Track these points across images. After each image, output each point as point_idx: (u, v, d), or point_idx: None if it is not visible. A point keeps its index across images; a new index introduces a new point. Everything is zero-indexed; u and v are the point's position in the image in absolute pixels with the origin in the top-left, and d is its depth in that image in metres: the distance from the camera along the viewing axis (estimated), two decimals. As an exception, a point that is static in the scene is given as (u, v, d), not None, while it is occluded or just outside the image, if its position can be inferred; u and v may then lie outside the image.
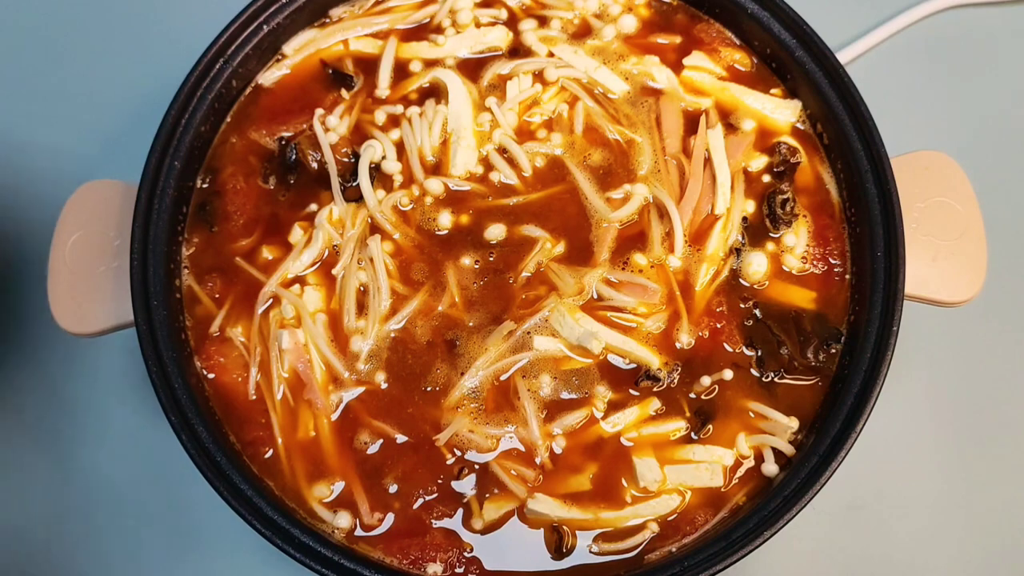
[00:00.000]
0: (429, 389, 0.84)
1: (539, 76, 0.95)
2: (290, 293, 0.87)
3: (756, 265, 0.87)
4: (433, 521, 0.80)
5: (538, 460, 0.81)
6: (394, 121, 0.94)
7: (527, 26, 0.98)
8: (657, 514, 0.80)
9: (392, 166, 0.91)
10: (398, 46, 0.97)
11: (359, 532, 0.80)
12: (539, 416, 0.82)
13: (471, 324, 0.85)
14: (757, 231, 0.89)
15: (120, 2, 1.22)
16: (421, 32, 0.99)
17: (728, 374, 0.83)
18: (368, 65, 0.97)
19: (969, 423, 1.01)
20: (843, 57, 1.12)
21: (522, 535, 0.80)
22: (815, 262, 0.88)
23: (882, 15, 1.18)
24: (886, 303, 0.81)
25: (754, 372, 0.84)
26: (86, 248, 0.88)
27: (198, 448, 0.79)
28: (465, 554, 0.79)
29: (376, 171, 0.91)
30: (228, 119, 0.95)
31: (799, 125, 0.94)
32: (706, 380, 0.83)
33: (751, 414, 0.83)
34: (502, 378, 0.84)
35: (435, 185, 0.90)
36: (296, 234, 0.89)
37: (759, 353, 0.84)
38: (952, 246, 0.86)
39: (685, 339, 0.85)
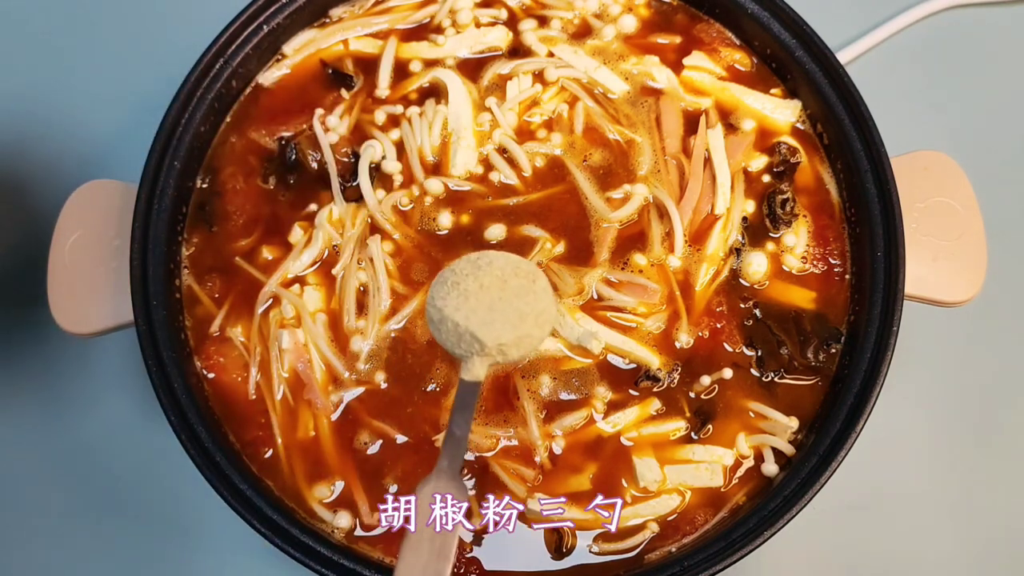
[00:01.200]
0: (429, 389, 0.84)
1: (539, 76, 0.95)
2: (290, 293, 0.87)
3: (756, 265, 0.87)
4: (433, 521, 0.80)
5: (537, 460, 0.81)
6: (394, 121, 0.94)
7: (527, 26, 0.98)
8: (657, 514, 0.80)
9: (392, 166, 0.91)
10: (398, 46, 0.97)
11: (359, 532, 0.80)
12: (538, 416, 0.82)
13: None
14: (757, 231, 0.89)
15: (120, 2, 1.22)
16: (421, 32, 0.99)
17: (728, 373, 0.83)
18: (368, 65, 0.97)
19: (969, 423, 1.01)
20: (843, 57, 1.12)
21: (522, 535, 0.80)
22: (815, 262, 0.88)
23: (882, 15, 1.18)
24: (886, 303, 0.81)
25: (754, 372, 0.84)
26: (86, 248, 0.88)
27: (198, 448, 0.79)
28: (465, 554, 0.79)
29: (376, 171, 0.91)
30: (228, 119, 0.95)
31: (799, 125, 0.94)
32: (706, 380, 0.83)
33: (751, 414, 0.83)
34: (502, 378, 0.84)
35: (435, 185, 0.90)
36: (296, 234, 0.89)
37: (759, 353, 0.84)
38: (952, 246, 0.86)
39: (685, 339, 0.85)
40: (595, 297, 0.86)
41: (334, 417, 0.84)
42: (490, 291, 0.71)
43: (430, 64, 0.97)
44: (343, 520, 0.80)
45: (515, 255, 0.76)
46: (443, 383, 0.84)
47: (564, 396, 0.83)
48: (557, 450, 0.82)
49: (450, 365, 0.84)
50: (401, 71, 0.97)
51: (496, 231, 0.88)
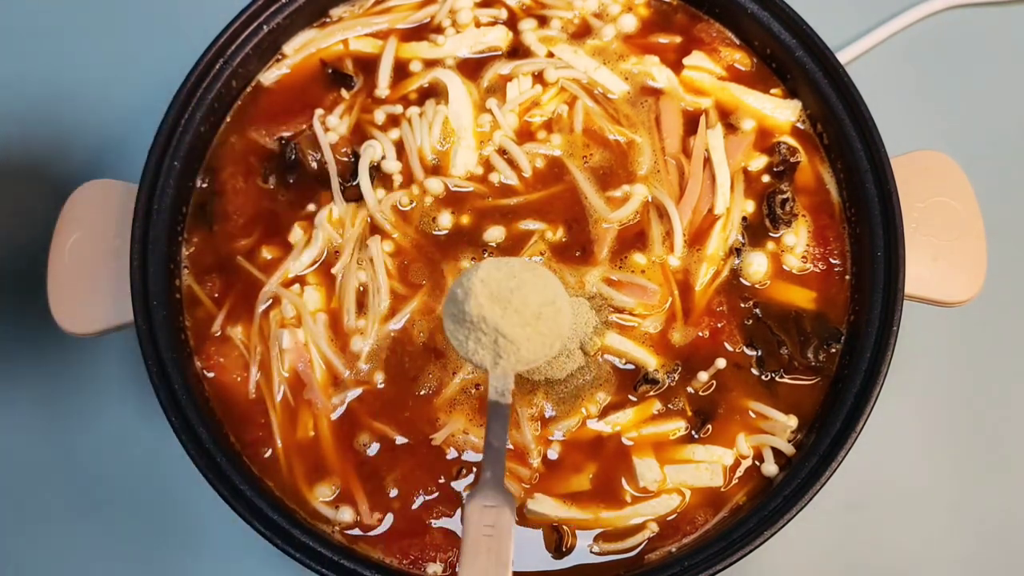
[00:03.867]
0: (422, 393, 0.84)
1: (539, 77, 0.95)
2: (290, 293, 0.87)
3: (756, 265, 0.87)
4: (432, 521, 0.80)
5: (532, 463, 0.81)
6: (394, 121, 0.94)
7: (527, 26, 0.98)
8: (657, 514, 0.80)
9: (392, 165, 0.91)
10: (398, 46, 0.97)
11: (359, 532, 0.80)
12: (532, 420, 0.82)
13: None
14: (757, 231, 0.89)
15: (120, 2, 1.22)
16: (421, 32, 0.99)
17: (721, 363, 0.83)
18: (368, 65, 0.97)
19: (969, 423, 1.01)
20: (843, 57, 1.12)
21: (522, 535, 0.80)
22: (815, 262, 0.88)
23: (882, 15, 1.18)
24: (886, 303, 0.81)
25: (754, 372, 0.84)
26: (86, 248, 0.88)
27: (198, 449, 0.79)
28: (465, 554, 0.79)
29: (376, 171, 0.91)
30: (228, 119, 0.95)
31: (799, 125, 0.94)
32: (703, 376, 0.83)
33: (751, 414, 0.83)
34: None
35: (435, 185, 0.90)
36: (296, 234, 0.89)
37: (759, 353, 0.84)
38: (952, 246, 0.86)
39: (681, 340, 0.85)
40: (594, 295, 0.86)
41: (334, 417, 0.84)
42: (522, 312, 0.70)
43: (430, 64, 0.97)
44: (346, 514, 0.80)
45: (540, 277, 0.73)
46: (435, 386, 0.84)
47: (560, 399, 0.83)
48: (553, 455, 0.82)
49: (443, 369, 0.84)
50: (401, 71, 0.97)
51: (496, 232, 0.88)
